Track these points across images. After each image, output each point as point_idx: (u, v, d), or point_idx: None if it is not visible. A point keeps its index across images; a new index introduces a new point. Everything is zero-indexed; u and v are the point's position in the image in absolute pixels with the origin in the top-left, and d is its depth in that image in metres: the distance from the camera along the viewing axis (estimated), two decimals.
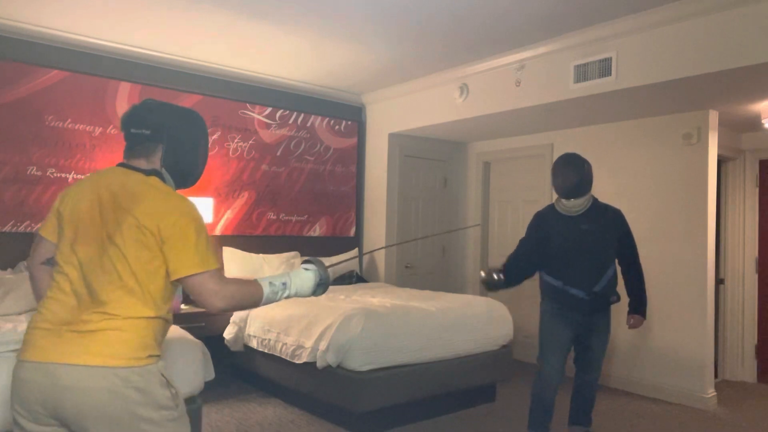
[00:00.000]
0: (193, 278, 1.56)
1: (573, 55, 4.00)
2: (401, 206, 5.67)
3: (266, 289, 1.69)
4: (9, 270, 3.78)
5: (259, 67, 4.91)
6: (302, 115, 5.43)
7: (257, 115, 5.16)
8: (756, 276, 4.99)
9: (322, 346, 3.46)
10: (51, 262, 1.68)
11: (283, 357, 3.73)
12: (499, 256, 5.83)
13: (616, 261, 3.21)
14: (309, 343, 3.57)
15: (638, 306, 3.24)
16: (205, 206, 4.53)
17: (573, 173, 3.08)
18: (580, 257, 3.05)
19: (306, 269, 1.81)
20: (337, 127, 5.69)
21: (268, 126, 5.22)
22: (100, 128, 4.34)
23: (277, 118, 5.28)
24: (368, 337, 3.37)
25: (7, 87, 3.96)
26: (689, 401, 4.26)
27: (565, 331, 3.11)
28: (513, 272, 3.14)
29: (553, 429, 3.27)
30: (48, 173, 4.13)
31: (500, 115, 4.64)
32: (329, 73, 5.05)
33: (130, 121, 1.68)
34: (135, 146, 1.67)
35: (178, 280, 1.58)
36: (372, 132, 5.84)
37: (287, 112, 5.34)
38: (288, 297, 1.76)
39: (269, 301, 1.72)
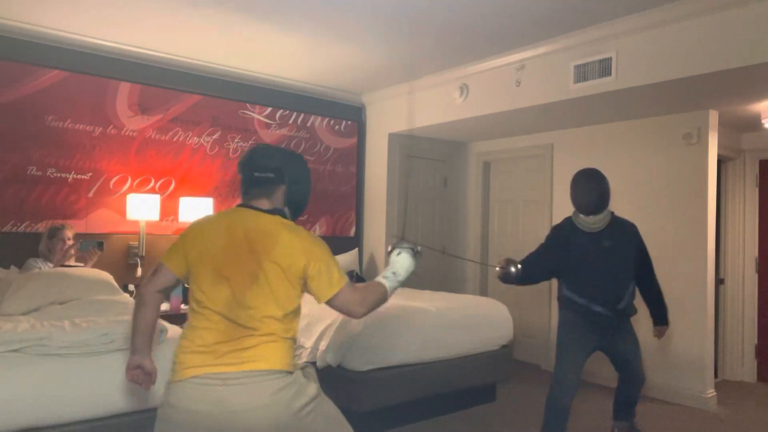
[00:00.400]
0: (337, 296, 1.84)
1: (573, 55, 4.00)
2: (401, 206, 5.67)
3: (387, 283, 1.98)
4: (12, 268, 3.78)
5: (259, 67, 4.91)
6: (302, 115, 5.43)
7: (257, 115, 5.16)
8: (756, 276, 4.99)
9: (322, 345, 3.46)
10: (167, 292, 1.90)
11: None
12: (499, 256, 5.83)
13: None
14: (309, 343, 3.57)
15: (662, 317, 3.26)
16: (205, 206, 4.53)
17: (594, 189, 3.03)
18: (603, 274, 3.02)
19: (398, 253, 2.08)
20: (337, 127, 5.69)
21: (268, 126, 5.22)
22: (100, 128, 4.34)
23: (277, 118, 5.28)
24: (368, 336, 3.37)
25: (7, 87, 3.96)
26: (689, 401, 4.26)
27: (584, 342, 3.09)
28: (530, 273, 3.10)
29: None
30: (48, 173, 4.13)
31: (500, 115, 4.64)
32: (329, 73, 5.05)
33: (252, 166, 1.91)
34: (256, 188, 1.90)
35: (328, 302, 1.86)
36: (372, 132, 5.84)
37: (287, 112, 5.34)
38: (401, 281, 2.04)
39: (392, 293, 2.00)
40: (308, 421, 1.77)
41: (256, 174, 1.88)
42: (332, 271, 1.83)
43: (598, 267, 3.02)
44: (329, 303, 1.85)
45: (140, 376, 1.85)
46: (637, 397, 3.29)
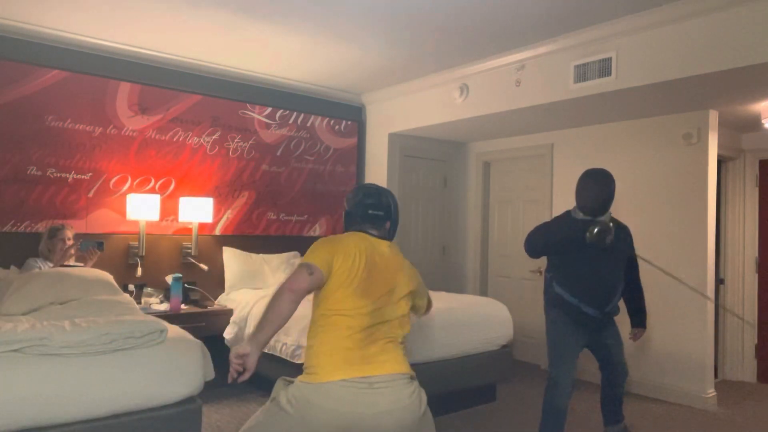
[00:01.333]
0: (426, 308, 2.41)
1: (573, 55, 4.00)
2: (401, 206, 5.66)
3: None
4: (12, 268, 3.78)
5: (259, 67, 4.91)
6: (302, 115, 5.43)
7: (257, 115, 5.16)
8: (756, 276, 4.99)
9: None
10: (308, 293, 2.01)
11: (283, 357, 3.73)
12: (499, 256, 5.83)
13: None
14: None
15: (641, 320, 3.27)
16: (205, 206, 4.53)
17: (603, 192, 2.99)
18: (597, 276, 3.00)
19: None
20: (337, 127, 5.69)
21: (268, 126, 5.22)
22: (100, 128, 4.34)
23: (277, 118, 5.28)
24: None
25: (7, 87, 3.96)
26: (689, 401, 4.26)
27: (575, 340, 3.10)
28: (540, 245, 3.08)
29: None
30: (48, 173, 4.13)
31: (500, 115, 4.64)
32: (329, 73, 5.05)
33: (366, 204, 2.22)
34: (370, 222, 2.21)
35: (424, 308, 2.38)
36: (372, 132, 5.84)
37: (287, 112, 5.34)
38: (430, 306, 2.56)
39: None
40: (425, 423, 2.00)
41: (370, 211, 2.21)
42: (424, 289, 2.34)
43: (593, 269, 3.00)
44: (423, 315, 2.39)
45: (239, 367, 1.88)
46: (622, 393, 3.28)
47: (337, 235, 2.21)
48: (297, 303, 1.94)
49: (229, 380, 1.91)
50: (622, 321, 3.26)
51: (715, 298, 4.43)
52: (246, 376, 1.89)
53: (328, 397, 1.85)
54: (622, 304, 3.22)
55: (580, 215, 3.07)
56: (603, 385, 3.29)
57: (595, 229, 2.87)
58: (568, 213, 3.17)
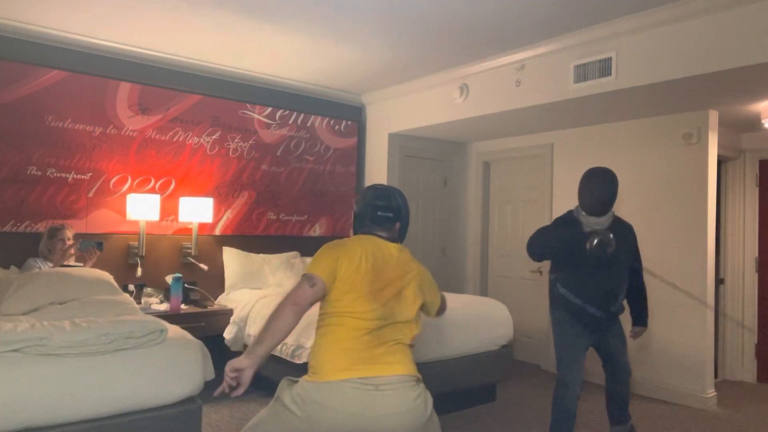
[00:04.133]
0: (438, 308, 2.31)
1: (573, 55, 4.00)
2: None
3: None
4: (12, 268, 3.79)
5: (259, 67, 4.91)
6: (302, 115, 5.43)
7: (257, 115, 5.16)
8: (756, 276, 4.99)
9: None
10: (312, 305, 1.99)
11: (283, 357, 3.73)
12: (499, 256, 5.83)
13: None
14: (309, 343, 3.56)
15: (643, 318, 3.26)
16: (205, 206, 4.53)
17: (605, 191, 2.98)
18: (601, 276, 2.99)
19: None
20: (337, 127, 5.69)
21: (268, 126, 5.22)
22: (100, 128, 4.34)
23: (277, 118, 5.28)
24: None
25: (7, 87, 3.96)
26: (689, 401, 4.26)
27: (581, 340, 3.09)
28: (543, 247, 3.08)
29: None
30: (48, 173, 4.13)
31: (500, 115, 4.64)
32: (329, 73, 5.05)
33: (375, 205, 2.19)
34: (379, 225, 2.19)
35: (435, 309, 2.29)
36: (372, 132, 5.84)
37: (287, 112, 5.34)
38: (444, 308, 2.44)
39: None
40: (431, 427, 1.99)
41: (379, 213, 2.18)
42: (436, 291, 2.26)
43: (596, 269, 2.98)
44: (436, 308, 2.27)
45: (233, 381, 1.80)
46: (627, 391, 3.27)
47: (344, 239, 2.17)
48: (299, 316, 1.90)
49: (217, 393, 1.81)
50: (624, 319, 3.26)
51: (714, 300, 4.42)
52: (239, 391, 1.79)
53: (333, 397, 1.84)
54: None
55: (583, 214, 3.07)
56: (608, 385, 3.29)
57: (595, 240, 2.84)
58: (570, 213, 3.16)
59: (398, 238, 2.24)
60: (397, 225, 2.22)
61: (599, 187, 3.00)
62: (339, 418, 1.82)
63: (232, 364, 1.78)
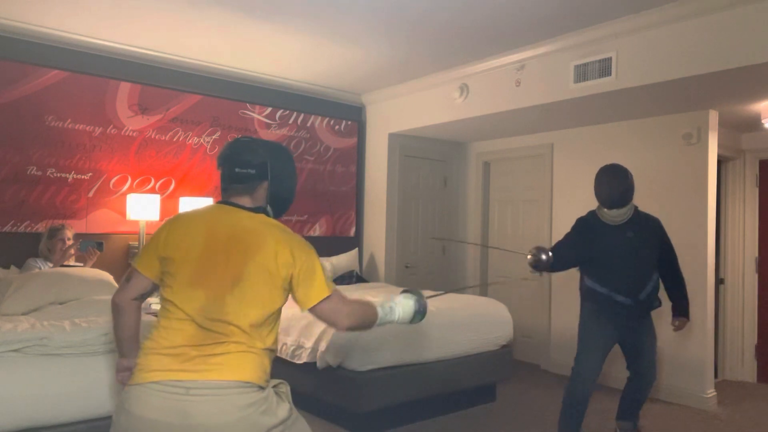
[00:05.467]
0: (323, 303, 1.71)
1: (573, 55, 4.00)
2: (401, 206, 5.67)
3: (380, 311, 1.86)
4: (12, 268, 3.79)
5: (259, 67, 4.91)
6: (302, 115, 5.43)
7: (257, 115, 5.16)
8: (756, 276, 4.99)
9: (322, 346, 3.46)
10: (144, 297, 1.79)
11: (283, 357, 3.73)
12: (499, 256, 5.83)
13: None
14: (309, 343, 3.56)
15: (683, 309, 3.27)
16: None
17: (618, 184, 3.11)
18: (626, 265, 3.06)
19: (407, 298, 1.97)
20: (337, 127, 5.69)
21: (268, 126, 5.22)
22: (100, 128, 4.34)
23: (277, 118, 5.28)
24: (368, 337, 3.36)
25: (7, 87, 3.96)
26: (689, 401, 4.26)
27: (605, 334, 3.12)
28: (560, 257, 3.15)
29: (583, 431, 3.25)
30: (48, 173, 4.13)
31: (500, 115, 4.64)
32: (329, 73, 5.05)
33: (233, 160, 1.75)
34: (237, 184, 1.75)
35: (311, 309, 1.72)
36: (372, 132, 5.84)
37: (287, 112, 5.34)
38: (391, 322, 1.91)
39: (381, 323, 1.88)
40: None
41: (237, 170, 1.74)
42: (321, 277, 1.71)
43: (620, 257, 3.06)
44: (312, 310, 1.72)
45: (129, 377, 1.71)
46: (645, 397, 3.29)
47: (179, 213, 1.85)
48: (126, 314, 1.74)
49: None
50: (661, 324, 3.25)
51: (714, 300, 4.42)
52: None
53: (136, 402, 1.56)
54: (663, 297, 3.24)
55: (604, 210, 3.16)
56: (627, 383, 3.30)
57: (529, 256, 3.11)
58: (592, 212, 3.25)
59: (269, 207, 1.79)
60: (264, 185, 1.76)
61: (612, 180, 3.12)
62: (144, 427, 1.54)
63: (119, 367, 1.79)
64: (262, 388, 1.63)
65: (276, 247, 1.66)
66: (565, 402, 3.15)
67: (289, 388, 1.77)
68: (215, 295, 1.62)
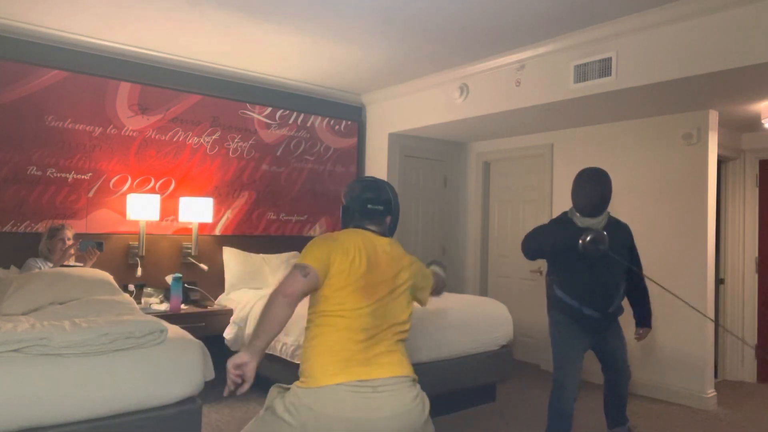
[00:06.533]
0: (429, 299, 2.27)
1: (573, 55, 4.00)
2: (401, 206, 5.65)
3: (442, 274, 2.43)
4: (12, 268, 3.78)
5: (259, 67, 4.91)
6: (302, 115, 5.43)
7: (257, 115, 5.16)
8: (756, 276, 4.99)
9: None
10: (305, 296, 1.92)
11: (283, 357, 3.73)
12: (499, 256, 5.83)
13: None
14: None
15: (646, 319, 3.24)
16: (205, 206, 4.53)
17: (598, 192, 2.97)
18: (596, 277, 2.97)
19: (439, 267, 2.46)
20: (337, 127, 5.69)
21: (268, 126, 5.22)
22: (100, 128, 4.34)
23: (277, 118, 5.28)
24: None
25: (7, 87, 3.96)
26: (689, 401, 4.26)
27: (578, 342, 3.08)
28: (538, 245, 3.07)
29: None
30: (48, 173, 4.13)
31: (500, 115, 4.64)
32: (329, 73, 5.05)
33: (365, 198, 2.13)
34: (369, 218, 2.12)
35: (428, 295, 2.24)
36: (372, 132, 5.84)
37: (287, 112, 5.34)
38: (441, 277, 2.40)
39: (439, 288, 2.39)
40: (427, 429, 1.93)
41: (369, 206, 2.11)
42: (429, 278, 2.23)
43: (592, 270, 2.97)
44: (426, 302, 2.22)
45: (237, 378, 1.74)
46: (625, 395, 3.27)
47: (335, 232, 2.08)
48: (293, 307, 1.81)
49: (226, 393, 1.76)
50: (626, 321, 3.26)
51: (714, 300, 4.42)
52: (245, 387, 1.73)
53: (328, 403, 1.75)
54: (626, 303, 3.20)
55: (577, 215, 3.06)
56: (606, 387, 3.27)
57: (588, 237, 2.81)
58: (565, 214, 3.15)
59: (389, 232, 2.15)
60: (388, 219, 2.14)
61: (592, 188, 2.98)
62: (336, 424, 1.74)
63: (233, 361, 1.73)
64: (416, 380, 1.95)
65: (411, 262, 2.11)
66: (552, 415, 3.07)
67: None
68: (380, 301, 1.93)
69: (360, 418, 1.75)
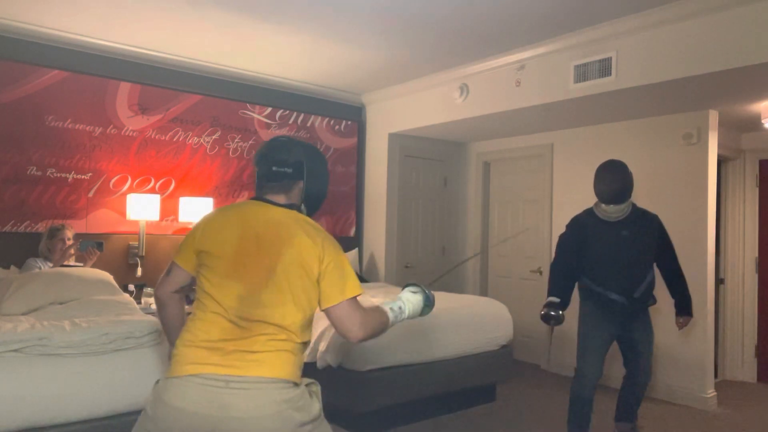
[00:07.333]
0: (341, 306, 1.69)
1: (573, 55, 4.00)
2: (401, 206, 5.67)
3: (391, 315, 1.84)
4: (12, 268, 3.78)
5: (259, 67, 4.91)
6: (302, 115, 5.43)
7: (257, 115, 5.16)
8: (756, 276, 4.99)
9: (322, 346, 3.46)
10: (185, 290, 1.84)
11: None
12: (499, 257, 5.83)
13: (655, 265, 3.25)
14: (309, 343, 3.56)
15: (686, 307, 3.30)
16: (205, 206, 4.53)
17: (617, 180, 3.13)
18: (620, 263, 3.09)
19: (414, 292, 1.96)
20: (337, 127, 5.69)
21: (268, 126, 5.22)
22: (100, 128, 4.34)
23: (277, 118, 5.28)
24: None
25: (7, 87, 3.96)
26: (689, 401, 4.26)
27: (604, 333, 3.16)
28: (566, 290, 3.18)
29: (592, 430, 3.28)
30: (48, 173, 4.13)
31: (500, 115, 4.64)
32: (329, 73, 5.05)
33: (270, 159, 1.80)
34: (274, 182, 1.79)
35: (327, 309, 1.70)
36: (372, 132, 5.84)
37: (287, 112, 5.34)
38: (404, 319, 1.90)
39: (392, 325, 1.86)
40: None
41: (274, 168, 1.78)
42: (347, 277, 1.70)
43: (614, 255, 3.08)
44: (329, 311, 1.70)
45: None
46: (641, 397, 3.31)
47: (212, 210, 1.89)
48: (171, 307, 1.83)
49: None
50: (657, 312, 3.27)
51: (714, 300, 4.42)
52: None
53: (176, 394, 1.57)
54: (658, 294, 3.26)
55: (602, 206, 3.19)
56: (624, 384, 3.33)
57: (543, 311, 3.13)
58: (586, 210, 3.28)
59: (302, 205, 1.83)
60: (300, 185, 1.81)
61: (611, 175, 3.15)
62: (183, 419, 1.55)
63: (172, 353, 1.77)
64: (297, 385, 1.66)
65: (307, 240, 1.67)
66: (573, 403, 3.18)
67: (319, 388, 1.79)
68: (252, 289, 1.64)
69: (208, 414, 1.54)
